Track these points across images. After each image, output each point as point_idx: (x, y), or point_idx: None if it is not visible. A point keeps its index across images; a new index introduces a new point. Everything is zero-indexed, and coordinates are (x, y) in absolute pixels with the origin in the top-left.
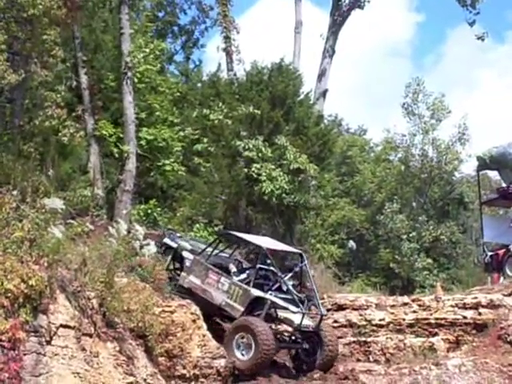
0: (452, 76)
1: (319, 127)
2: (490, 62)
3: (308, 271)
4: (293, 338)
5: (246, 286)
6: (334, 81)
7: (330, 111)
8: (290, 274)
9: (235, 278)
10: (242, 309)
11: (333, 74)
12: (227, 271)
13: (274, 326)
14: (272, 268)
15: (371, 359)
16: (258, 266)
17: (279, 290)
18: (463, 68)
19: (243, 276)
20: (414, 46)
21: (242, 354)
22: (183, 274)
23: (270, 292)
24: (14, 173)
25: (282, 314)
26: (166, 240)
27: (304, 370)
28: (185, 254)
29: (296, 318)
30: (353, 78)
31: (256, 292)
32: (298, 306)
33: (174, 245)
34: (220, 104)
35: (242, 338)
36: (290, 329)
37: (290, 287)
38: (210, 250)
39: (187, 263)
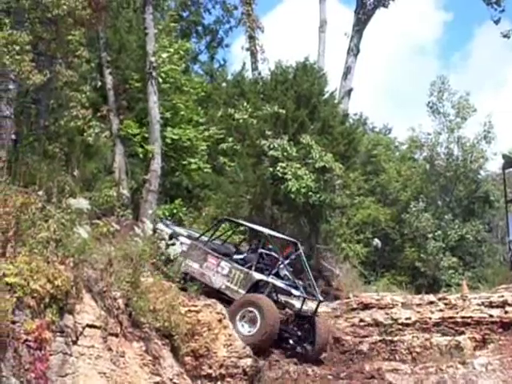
0: (480, 74)
1: (344, 126)
2: None
3: (304, 260)
4: (288, 322)
5: (247, 270)
6: (360, 80)
7: (355, 110)
8: (287, 261)
9: (235, 257)
10: (244, 292)
11: (358, 73)
12: (224, 255)
13: None
14: (273, 253)
15: (397, 358)
16: (260, 250)
17: (277, 275)
18: (491, 66)
19: (241, 256)
20: (441, 44)
21: (246, 329)
22: (180, 258)
23: (270, 276)
24: (39, 173)
25: (282, 297)
26: (160, 225)
27: (301, 353)
28: (181, 238)
29: (296, 302)
30: (378, 76)
31: (258, 275)
32: (298, 290)
33: (169, 230)
34: (245, 103)
35: (248, 312)
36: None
37: (288, 273)
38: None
39: (184, 248)
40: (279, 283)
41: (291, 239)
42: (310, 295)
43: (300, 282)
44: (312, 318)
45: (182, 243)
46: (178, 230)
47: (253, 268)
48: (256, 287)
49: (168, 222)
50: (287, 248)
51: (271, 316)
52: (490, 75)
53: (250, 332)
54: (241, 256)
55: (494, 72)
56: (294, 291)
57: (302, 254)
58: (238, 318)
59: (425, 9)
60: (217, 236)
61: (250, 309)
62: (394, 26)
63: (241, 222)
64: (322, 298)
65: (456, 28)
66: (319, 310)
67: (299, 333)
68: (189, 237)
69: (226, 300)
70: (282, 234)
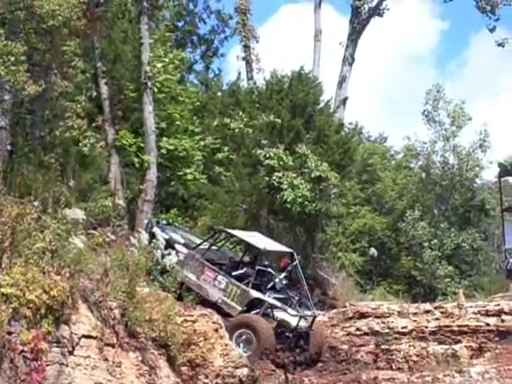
0: (476, 82)
1: (340, 135)
2: None
3: (300, 271)
4: (282, 336)
5: (244, 287)
6: (356, 89)
7: (351, 119)
8: (283, 274)
9: (233, 273)
10: (240, 308)
11: (354, 82)
12: (220, 266)
13: None
14: (269, 269)
15: (394, 367)
16: (257, 267)
17: (273, 288)
18: (487, 74)
19: (237, 272)
20: (438, 53)
21: (242, 350)
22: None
23: (267, 293)
24: (35, 184)
25: (278, 314)
26: (156, 230)
27: (297, 363)
28: (178, 247)
29: (293, 320)
30: (375, 85)
31: (255, 293)
32: (294, 307)
33: (166, 236)
34: (240, 113)
35: (242, 334)
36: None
37: (284, 287)
38: (203, 245)
39: (181, 257)
40: (275, 302)
41: (287, 250)
42: (305, 307)
43: (295, 295)
44: (307, 332)
45: (178, 252)
46: (175, 236)
47: (250, 285)
48: (253, 304)
49: (164, 226)
50: (284, 259)
51: (266, 339)
52: (486, 83)
53: (245, 353)
54: (238, 272)
55: (490, 80)
56: (290, 310)
57: (298, 265)
58: (233, 338)
59: (421, 18)
60: (212, 244)
61: (246, 330)
62: (391, 35)
63: (237, 234)
64: (317, 313)
65: (452, 36)
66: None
67: (294, 342)
68: (185, 245)
69: (221, 313)
70: (278, 243)
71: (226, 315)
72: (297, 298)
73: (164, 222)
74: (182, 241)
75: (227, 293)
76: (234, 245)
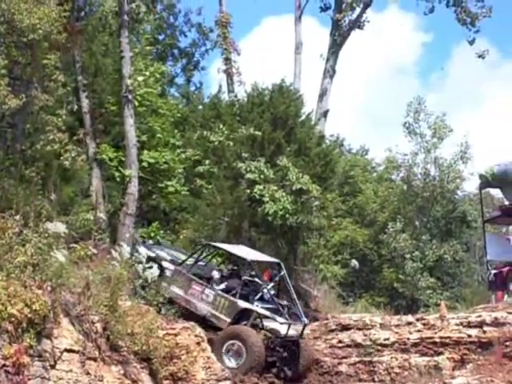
0: (458, 93)
1: (321, 148)
2: (496, 78)
3: (288, 281)
4: (271, 346)
5: (232, 298)
6: (338, 101)
7: (334, 131)
8: (271, 284)
9: (216, 287)
10: (229, 320)
11: (336, 95)
12: (208, 281)
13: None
14: (256, 279)
15: (376, 379)
16: (244, 277)
17: (261, 299)
18: (469, 85)
19: (224, 285)
20: (421, 65)
21: (231, 361)
22: (164, 284)
23: (255, 303)
24: (16, 197)
25: (267, 323)
26: (142, 249)
27: (282, 377)
28: (164, 263)
29: (282, 329)
30: (358, 97)
31: (243, 304)
32: (283, 316)
33: (152, 254)
34: (221, 126)
35: (233, 345)
36: (269, 338)
37: (272, 297)
38: (190, 260)
39: (168, 273)
40: (264, 311)
41: (274, 260)
42: (294, 315)
43: (284, 303)
44: (297, 341)
45: (165, 268)
46: (161, 253)
47: (237, 296)
48: (241, 315)
49: (150, 245)
50: (267, 270)
51: (256, 349)
52: (467, 94)
53: (236, 365)
54: (224, 284)
55: (471, 91)
56: (278, 318)
57: (286, 275)
58: (223, 350)
59: (405, 30)
60: (199, 259)
61: (235, 342)
62: (375, 48)
63: (223, 247)
64: (307, 321)
65: (435, 48)
66: (300, 330)
67: (285, 354)
68: (172, 261)
69: (210, 327)
70: (264, 254)
71: (216, 329)
72: (286, 307)
73: (151, 242)
74: (169, 258)
75: (215, 305)
76: (221, 260)
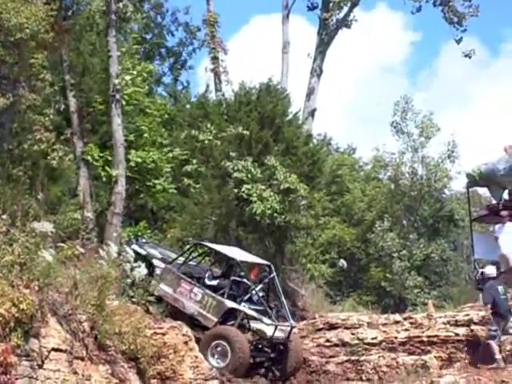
0: (446, 92)
1: (308, 147)
2: (484, 77)
3: (277, 283)
4: (260, 346)
5: (219, 297)
6: (327, 100)
7: (322, 130)
8: (260, 286)
9: (207, 282)
10: (216, 319)
11: (325, 94)
12: (198, 280)
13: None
14: (245, 280)
15: (364, 378)
16: (232, 277)
17: (250, 300)
18: (458, 84)
19: (214, 282)
20: (410, 64)
21: (217, 362)
22: (153, 281)
23: (242, 303)
24: (3, 197)
25: (254, 325)
26: (134, 247)
27: (270, 378)
28: (155, 261)
29: (268, 330)
30: (347, 96)
31: (230, 303)
32: (270, 318)
33: (143, 252)
34: (209, 125)
35: (218, 346)
36: (257, 338)
37: (261, 298)
38: (180, 259)
39: (158, 271)
40: (251, 312)
41: (264, 262)
42: (282, 318)
43: (272, 305)
44: (285, 342)
45: (156, 267)
46: (153, 252)
47: (225, 295)
48: (228, 315)
49: (143, 243)
50: (254, 269)
51: (241, 350)
52: (456, 93)
53: (221, 365)
54: (214, 282)
55: (460, 89)
56: (265, 320)
57: (275, 277)
58: (209, 350)
59: (393, 29)
60: (190, 259)
61: (220, 342)
62: (364, 47)
63: (212, 247)
64: (294, 324)
65: (424, 47)
66: (288, 330)
67: (273, 355)
68: (163, 260)
69: (198, 326)
70: (255, 256)
71: (203, 328)
72: (275, 309)
73: (144, 240)
74: (160, 256)
75: (203, 304)
76: (212, 261)
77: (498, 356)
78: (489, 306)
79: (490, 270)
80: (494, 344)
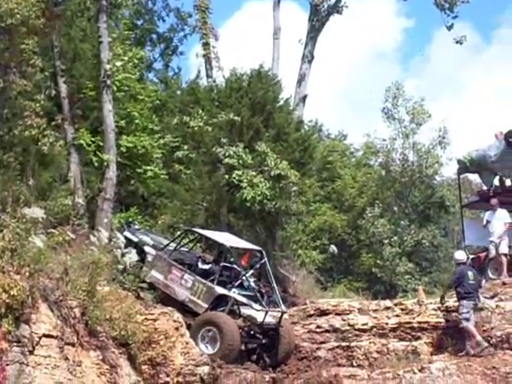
0: (439, 78)
1: (299, 133)
2: (477, 63)
3: (268, 268)
4: (252, 333)
5: (209, 284)
6: (319, 86)
7: (314, 116)
8: (251, 271)
9: (200, 266)
10: (206, 305)
11: (317, 80)
12: (189, 266)
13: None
14: (235, 266)
15: (354, 364)
16: (222, 264)
17: (241, 286)
18: (450, 70)
19: (206, 266)
20: (402, 50)
21: (207, 348)
22: (145, 268)
23: (233, 289)
24: None
25: (244, 310)
26: (127, 233)
27: (262, 364)
28: (146, 248)
29: (259, 316)
30: (339, 83)
31: (220, 290)
32: (260, 303)
33: (135, 239)
34: (200, 111)
35: (208, 331)
36: (248, 324)
37: (252, 284)
38: (171, 245)
39: (149, 258)
40: (241, 297)
41: (256, 247)
42: (273, 303)
43: (263, 291)
44: (276, 328)
45: (147, 253)
46: (145, 238)
47: (215, 282)
48: (219, 301)
49: (135, 230)
50: (246, 255)
51: (231, 335)
52: (448, 79)
53: (212, 351)
54: (205, 267)
55: (452, 76)
56: (254, 305)
57: (267, 263)
58: (199, 336)
59: (386, 15)
60: (181, 246)
61: (210, 328)
62: (357, 33)
63: (203, 233)
64: (285, 309)
65: (416, 33)
66: (278, 316)
67: (264, 341)
68: (154, 246)
69: (189, 312)
70: (246, 242)
71: (194, 314)
72: (266, 295)
73: (136, 226)
74: (151, 243)
75: (193, 291)
76: (203, 247)
77: (478, 337)
78: (457, 290)
79: (460, 256)
80: (470, 326)
